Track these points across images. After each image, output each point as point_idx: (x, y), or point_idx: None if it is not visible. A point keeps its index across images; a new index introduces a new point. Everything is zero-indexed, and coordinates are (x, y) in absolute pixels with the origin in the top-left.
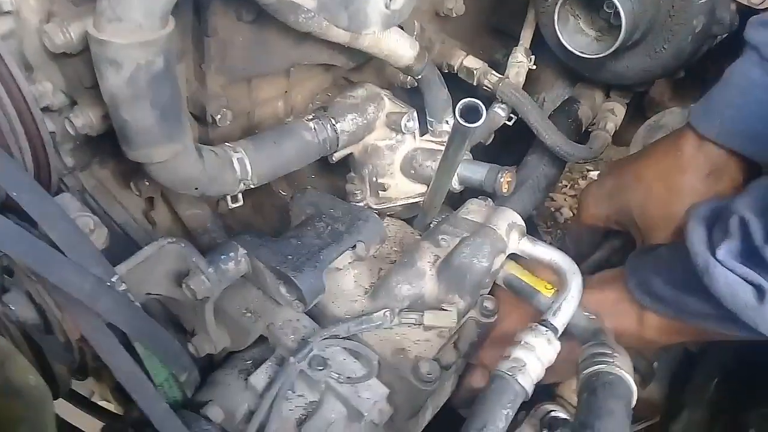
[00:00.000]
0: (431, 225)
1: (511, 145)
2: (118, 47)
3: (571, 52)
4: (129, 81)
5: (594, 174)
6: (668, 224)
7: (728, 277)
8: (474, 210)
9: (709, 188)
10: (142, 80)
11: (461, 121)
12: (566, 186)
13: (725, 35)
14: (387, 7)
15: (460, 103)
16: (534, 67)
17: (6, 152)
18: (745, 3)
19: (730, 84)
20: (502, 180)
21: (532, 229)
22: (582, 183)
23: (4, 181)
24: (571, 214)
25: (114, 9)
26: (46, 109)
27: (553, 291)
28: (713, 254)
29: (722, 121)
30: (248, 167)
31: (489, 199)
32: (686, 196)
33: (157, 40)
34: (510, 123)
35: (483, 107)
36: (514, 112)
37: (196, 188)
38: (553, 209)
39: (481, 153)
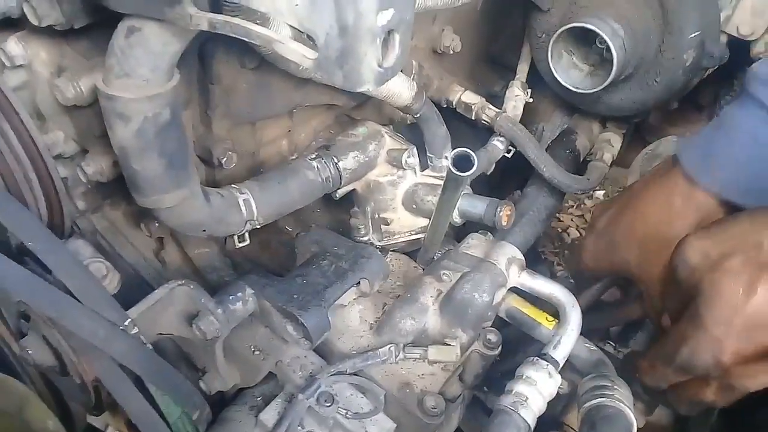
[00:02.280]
0: (433, 259)
1: (511, 173)
2: (126, 101)
3: (566, 87)
4: (137, 133)
5: (600, 193)
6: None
7: None
8: (475, 245)
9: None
10: (149, 132)
11: (454, 170)
12: (572, 206)
13: (716, 67)
14: (380, 65)
15: (453, 152)
16: (531, 100)
17: (20, 199)
18: (735, 35)
19: (735, 140)
20: (501, 214)
21: (535, 256)
22: (588, 203)
23: (19, 232)
24: (578, 234)
25: (122, 65)
26: (58, 157)
27: (554, 323)
28: None
29: (725, 175)
30: (254, 208)
31: (489, 233)
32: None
33: (163, 93)
34: (509, 155)
35: (474, 156)
36: (512, 144)
37: (204, 230)
38: (560, 230)
39: (482, 182)
